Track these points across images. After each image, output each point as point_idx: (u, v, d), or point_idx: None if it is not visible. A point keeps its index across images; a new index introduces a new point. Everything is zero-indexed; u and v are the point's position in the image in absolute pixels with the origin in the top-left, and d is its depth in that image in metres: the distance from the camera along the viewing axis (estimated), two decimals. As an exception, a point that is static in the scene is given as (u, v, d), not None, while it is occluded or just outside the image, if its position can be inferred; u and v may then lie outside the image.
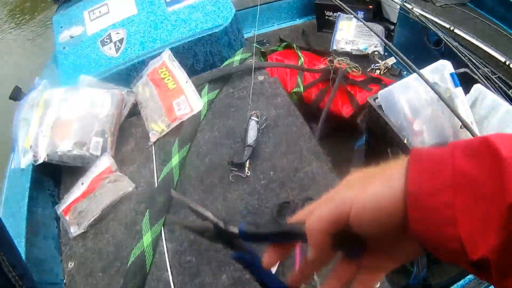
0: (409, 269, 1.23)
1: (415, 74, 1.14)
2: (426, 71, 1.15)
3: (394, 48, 1.19)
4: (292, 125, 1.21)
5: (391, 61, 1.86)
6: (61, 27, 1.67)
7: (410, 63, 1.06)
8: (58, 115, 1.25)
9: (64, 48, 1.59)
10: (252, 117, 1.19)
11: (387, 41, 1.35)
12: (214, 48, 1.56)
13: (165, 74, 1.38)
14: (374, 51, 1.91)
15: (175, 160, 1.16)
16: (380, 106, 1.20)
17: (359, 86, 1.64)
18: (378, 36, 1.46)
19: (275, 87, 1.36)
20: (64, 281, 1.02)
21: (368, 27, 1.35)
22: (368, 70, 1.82)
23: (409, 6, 1.73)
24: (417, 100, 1.13)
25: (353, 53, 1.93)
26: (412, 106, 1.13)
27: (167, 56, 1.41)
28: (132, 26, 1.56)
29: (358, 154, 1.53)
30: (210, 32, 1.52)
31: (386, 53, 1.94)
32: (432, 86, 1.00)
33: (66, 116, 1.25)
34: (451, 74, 1.12)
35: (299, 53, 1.83)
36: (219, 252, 0.96)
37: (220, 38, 1.54)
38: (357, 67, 1.74)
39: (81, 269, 1.03)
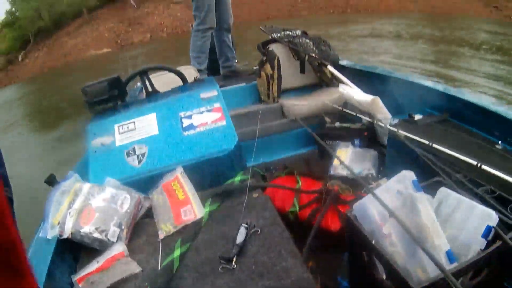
0: None
1: (382, 187, 1.32)
2: (392, 181, 1.29)
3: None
4: (275, 231, 1.41)
5: (383, 182, 1.97)
6: (95, 134, 1.95)
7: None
8: (85, 203, 1.51)
9: (95, 152, 1.86)
10: (243, 224, 1.41)
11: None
12: (219, 168, 1.80)
13: (176, 186, 1.64)
14: (368, 174, 2.05)
15: (176, 253, 1.35)
16: (355, 216, 1.31)
17: (349, 205, 1.74)
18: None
19: (265, 203, 1.59)
20: None
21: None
22: (362, 191, 1.93)
23: (395, 129, 1.91)
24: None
25: (349, 177, 2.07)
26: (380, 214, 1.25)
27: (179, 172, 1.68)
28: (153, 144, 1.84)
29: (345, 263, 1.59)
30: (216, 155, 1.79)
31: (379, 175, 2.08)
32: (381, 202, 1.12)
33: (91, 206, 1.50)
34: (413, 181, 1.24)
35: (298, 178, 1.99)
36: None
37: (224, 161, 1.80)
38: (349, 188, 1.87)
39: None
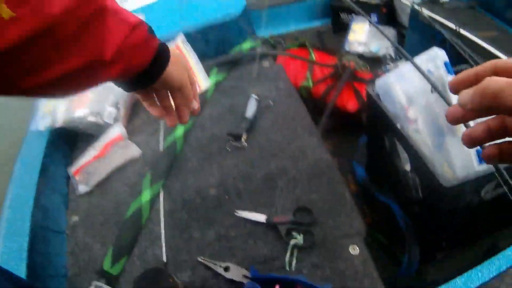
0: (400, 260, 1.27)
1: (409, 63, 1.20)
2: (421, 59, 1.18)
3: (387, 36, 1.23)
4: (290, 105, 1.30)
5: (402, 64, 1.89)
6: None
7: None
8: None
9: None
10: (253, 95, 1.29)
11: (378, 27, 1.38)
12: (225, 35, 1.65)
13: None
14: (386, 53, 1.96)
15: (179, 131, 1.25)
16: (378, 95, 1.24)
17: (367, 84, 1.68)
18: (386, 36, 1.51)
19: (278, 73, 1.45)
20: (67, 231, 1.11)
21: (378, 29, 1.40)
22: (379, 71, 1.86)
23: (418, 9, 1.77)
24: (412, 88, 1.16)
25: (365, 55, 1.98)
26: (407, 95, 1.17)
27: (180, 39, 1.50)
28: (151, 12, 1.68)
29: (361, 148, 1.57)
30: (221, 21, 1.62)
31: (398, 56, 1.98)
32: (424, 74, 1.04)
33: None
34: (445, 62, 1.14)
35: (311, 51, 1.89)
36: (208, 212, 1.03)
37: (230, 26, 1.63)
38: (366, 65, 1.79)
39: (83, 222, 1.11)
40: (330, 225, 0.94)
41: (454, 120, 0.38)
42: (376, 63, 1.92)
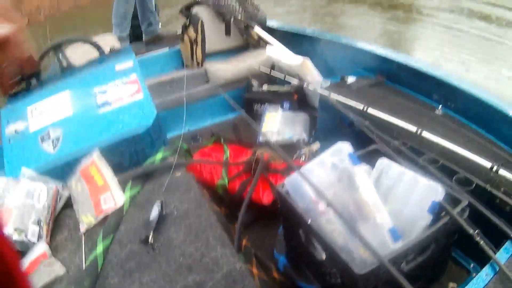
0: None
1: (316, 160, 1.24)
2: (327, 154, 1.21)
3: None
4: (201, 215, 1.28)
5: (315, 146, 1.92)
6: (7, 121, 1.77)
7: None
8: (1, 202, 1.36)
9: (9, 141, 1.70)
10: (156, 203, 1.32)
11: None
12: (138, 147, 1.65)
13: (94, 171, 1.48)
14: (299, 139, 1.98)
15: (99, 248, 1.23)
16: (287, 192, 1.22)
17: (281, 174, 1.67)
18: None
19: (189, 183, 1.45)
20: None
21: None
22: (294, 158, 1.86)
23: (327, 93, 1.83)
24: (320, 183, 1.16)
25: (279, 142, 1.98)
26: (315, 189, 1.15)
27: (96, 155, 1.51)
28: (68, 125, 1.67)
29: (281, 236, 1.52)
30: (133, 133, 1.62)
31: (311, 139, 2.01)
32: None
33: (8, 205, 1.35)
34: (349, 154, 1.16)
35: (225, 147, 1.87)
36: None
37: (143, 138, 1.64)
38: (278, 155, 1.78)
39: None
40: None
41: None
42: (291, 149, 1.93)
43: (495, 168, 1.25)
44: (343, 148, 1.19)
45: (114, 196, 1.42)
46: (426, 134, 1.43)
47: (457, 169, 1.32)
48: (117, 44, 2.83)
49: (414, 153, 1.37)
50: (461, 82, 1.71)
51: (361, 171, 1.12)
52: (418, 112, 1.67)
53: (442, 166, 1.33)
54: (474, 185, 1.26)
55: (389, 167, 1.19)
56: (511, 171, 1.23)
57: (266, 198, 1.63)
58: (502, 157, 1.36)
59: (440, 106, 1.70)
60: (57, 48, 2.11)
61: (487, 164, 1.27)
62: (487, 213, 1.14)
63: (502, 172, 1.23)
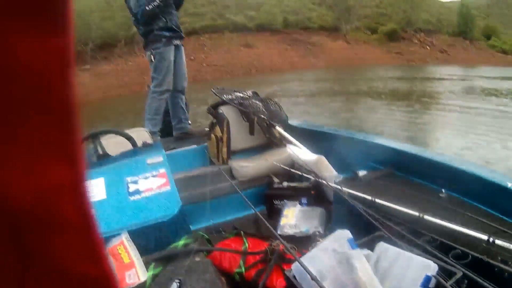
0: None
1: (319, 246, 1.36)
2: (328, 241, 1.33)
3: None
4: None
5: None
6: None
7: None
8: None
9: None
10: (175, 281, 1.44)
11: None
12: (163, 233, 1.81)
13: (122, 250, 1.64)
14: (315, 231, 2.08)
15: None
16: (294, 276, 1.33)
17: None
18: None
19: (206, 266, 1.58)
20: None
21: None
22: (309, 249, 1.95)
23: (339, 187, 1.97)
24: (323, 266, 1.26)
25: (296, 235, 2.09)
26: (319, 272, 1.26)
27: (125, 236, 1.68)
28: (101, 208, 1.85)
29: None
30: (159, 221, 1.80)
31: (327, 232, 2.11)
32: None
33: None
34: (348, 240, 1.28)
35: (245, 239, 1.99)
36: None
37: (167, 226, 1.81)
38: (294, 247, 1.88)
39: None
40: None
41: None
42: (307, 241, 2.02)
43: (491, 239, 1.34)
44: (343, 234, 1.31)
45: (138, 272, 1.56)
46: (427, 217, 1.54)
47: (455, 245, 1.39)
48: (148, 138, 3.01)
49: (416, 235, 1.47)
50: (461, 164, 1.87)
51: (358, 254, 1.23)
52: (421, 198, 1.79)
53: (441, 244, 1.41)
54: (469, 258, 1.32)
55: (387, 250, 1.29)
56: (508, 240, 1.32)
57: (279, 284, 1.70)
58: (498, 228, 1.44)
59: (443, 190, 1.83)
60: (95, 137, 2.34)
61: (483, 236, 1.36)
62: (484, 282, 1.18)
63: (499, 242, 1.32)
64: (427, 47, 35.25)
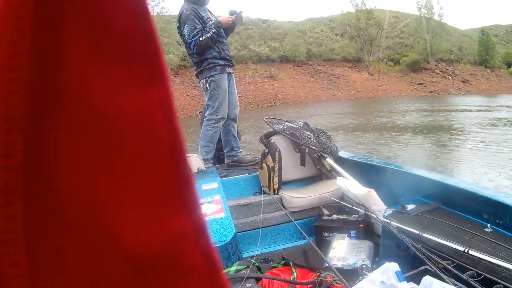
0: None
1: (367, 278, 1.40)
2: (376, 273, 1.36)
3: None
4: None
5: (378, 272, 2.01)
6: None
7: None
8: None
9: None
10: None
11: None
12: None
13: None
14: (362, 265, 2.08)
15: None
16: None
17: (342, 295, 1.78)
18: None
19: None
20: None
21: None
22: (356, 282, 1.96)
23: (388, 221, 1.99)
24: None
25: (344, 268, 2.10)
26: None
27: None
28: None
29: None
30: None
31: (374, 265, 2.10)
32: None
33: None
34: (396, 272, 1.31)
35: (293, 269, 2.04)
36: None
37: (220, 251, 1.88)
38: (340, 279, 1.90)
39: None
40: None
41: None
42: (354, 274, 2.03)
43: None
44: (391, 267, 1.34)
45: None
46: (472, 252, 1.53)
47: (498, 280, 1.39)
48: (202, 165, 3.13)
49: (461, 269, 1.48)
50: (506, 198, 1.84)
51: (405, 286, 1.25)
52: (467, 233, 1.77)
53: (485, 279, 1.41)
54: None
55: (431, 283, 1.30)
56: None
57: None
58: None
59: (489, 224, 1.81)
60: None
61: None
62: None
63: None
64: (449, 77, 34.70)
